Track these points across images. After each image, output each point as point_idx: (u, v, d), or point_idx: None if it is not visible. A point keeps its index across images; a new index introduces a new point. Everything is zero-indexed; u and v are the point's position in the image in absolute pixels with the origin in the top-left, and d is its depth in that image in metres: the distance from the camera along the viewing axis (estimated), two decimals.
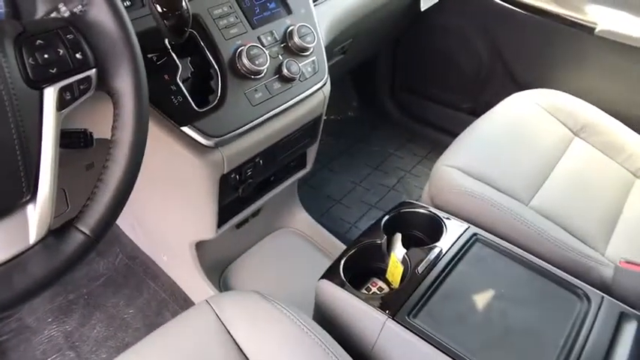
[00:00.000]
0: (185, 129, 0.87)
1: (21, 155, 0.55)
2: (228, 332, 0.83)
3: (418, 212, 1.08)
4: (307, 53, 1.02)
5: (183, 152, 0.90)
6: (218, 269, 1.41)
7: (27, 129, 0.55)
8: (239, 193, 1.06)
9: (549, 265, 0.95)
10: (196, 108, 0.88)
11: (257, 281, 1.40)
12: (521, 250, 0.97)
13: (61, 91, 0.58)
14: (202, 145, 0.89)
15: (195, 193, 1.03)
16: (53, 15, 0.67)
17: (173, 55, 0.87)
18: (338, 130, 2.04)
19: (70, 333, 1.36)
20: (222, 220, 1.12)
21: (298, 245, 1.52)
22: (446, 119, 1.94)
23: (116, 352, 1.30)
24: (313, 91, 1.04)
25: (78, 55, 0.58)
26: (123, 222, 1.58)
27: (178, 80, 0.87)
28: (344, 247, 1.45)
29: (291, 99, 1.00)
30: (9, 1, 0.82)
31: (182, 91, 0.87)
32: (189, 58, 0.92)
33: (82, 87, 0.59)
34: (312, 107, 1.07)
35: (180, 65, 0.88)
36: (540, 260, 0.96)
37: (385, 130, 2.08)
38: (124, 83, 0.61)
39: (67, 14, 0.67)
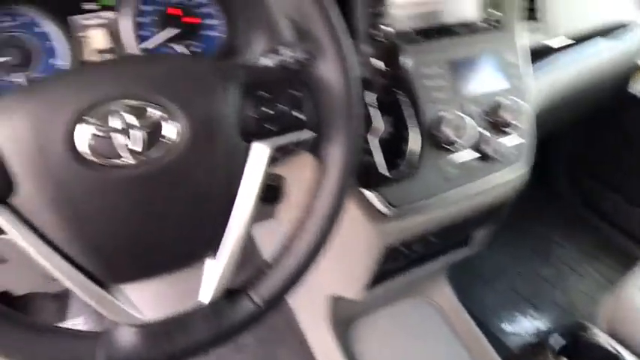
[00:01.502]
0: (365, 191, 0.80)
1: (216, 207, 0.50)
2: None
3: (597, 346, 0.90)
4: (514, 132, 0.90)
5: (357, 214, 0.83)
6: (345, 322, 1.33)
7: (229, 181, 0.51)
8: (398, 264, 0.97)
9: None
10: (384, 172, 0.80)
11: (383, 346, 1.31)
12: None
13: (273, 150, 0.52)
14: (379, 212, 0.80)
15: (354, 255, 0.95)
16: (273, 57, 0.63)
17: (370, 109, 0.80)
18: None
19: None
20: (370, 283, 1.03)
21: (433, 320, 1.40)
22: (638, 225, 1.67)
23: None
24: (511, 176, 0.91)
25: (298, 114, 0.53)
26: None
27: (371, 137, 0.80)
28: (481, 336, 1.31)
29: (487, 180, 0.88)
30: (227, 29, 0.82)
31: (373, 150, 0.79)
32: (385, 115, 0.84)
33: (293, 147, 0.54)
34: (504, 192, 0.95)
35: (375, 121, 0.81)
36: None
37: (554, 215, 1.85)
38: (337, 153, 0.54)
39: (290, 59, 0.62)
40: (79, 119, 0.45)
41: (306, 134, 0.54)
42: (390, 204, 0.80)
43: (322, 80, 0.54)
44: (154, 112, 0.46)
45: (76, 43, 0.75)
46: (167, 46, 0.79)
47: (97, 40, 0.75)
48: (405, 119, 0.83)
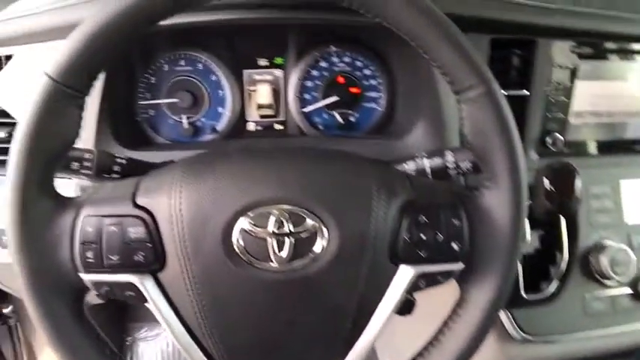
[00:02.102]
0: None
1: (349, 321, 0.48)
2: None
3: None
4: None
5: None
6: None
7: (367, 299, 0.48)
8: None
9: None
10: (522, 292, 0.72)
11: None
12: None
13: (419, 277, 0.49)
14: (507, 334, 0.73)
15: None
16: (435, 160, 0.59)
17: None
18: None
19: None
20: None
21: None
22: None
23: None
24: None
25: (454, 245, 0.48)
26: None
27: None
28: None
29: (637, 324, 0.77)
30: (387, 104, 0.79)
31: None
32: (535, 229, 0.76)
33: (440, 278, 0.50)
34: None
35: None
36: None
37: None
38: (485, 293, 0.49)
39: (452, 165, 0.58)
40: (242, 214, 0.45)
41: (457, 266, 0.49)
42: (520, 328, 0.72)
43: (489, 212, 0.48)
44: (311, 224, 0.45)
45: (244, 95, 0.77)
46: (325, 112, 0.79)
47: (261, 95, 0.76)
48: (559, 238, 0.75)
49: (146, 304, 0.47)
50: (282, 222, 0.45)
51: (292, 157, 0.49)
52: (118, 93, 0.70)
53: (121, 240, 0.45)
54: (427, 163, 0.59)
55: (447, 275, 0.49)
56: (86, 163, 0.55)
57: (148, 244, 0.45)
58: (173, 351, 1.27)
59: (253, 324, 0.47)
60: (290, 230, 0.45)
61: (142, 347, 1.24)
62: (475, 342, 0.50)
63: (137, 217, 0.45)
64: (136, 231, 0.45)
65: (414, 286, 0.49)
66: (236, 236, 0.44)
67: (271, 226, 0.45)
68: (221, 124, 0.77)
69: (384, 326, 0.49)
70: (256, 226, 0.44)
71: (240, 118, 0.77)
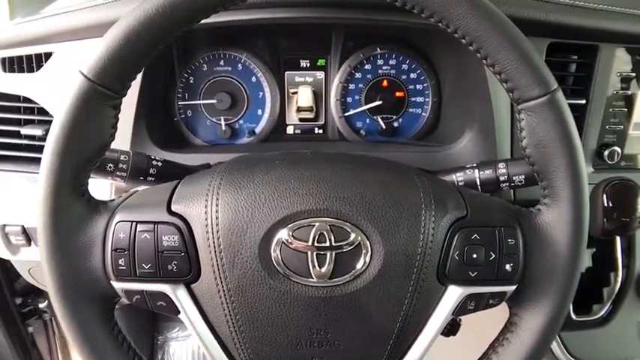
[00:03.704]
0: None
1: (392, 343, 0.45)
2: None
3: None
4: None
5: None
6: None
7: (413, 320, 0.45)
8: None
9: None
10: (572, 314, 0.68)
11: None
12: None
13: (468, 298, 0.45)
14: (555, 358, 0.69)
15: None
16: (486, 172, 0.56)
17: None
18: None
19: None
20: None
21: None
22: None
23: None
24: None
25: (507, 267, 0.45)
26: None
27: None
28: None
29: None
30: (432, 109, 0.76)
31: None
32: (589, 248, 0.72)
33: (491, 301, 0.46)
34: None
35: None
36: None
37: None
38: (537, 316, 0.45)
39: (503, 178, 0.55)
40: (282, 225, 0.42)
41: (509, 288, 0.46)
42: (568, 352, 0.68)
43: (547, 230, 0.45)
44: (354, 238, 0.42)
45: (285, 97, 0.75)
46: (368, 116, 0.76)
47: (302, 97, 0.74)
48: (614, 258, 0.70)
49: (178, 316, 0.46)
50: (323, 235, 0.42)
51: (335, 166, 0.46)
52: (155, 92, 0.69)
53: (154, 248, 0.43)
54: (477, 175, 0.56)
55: (497, 297, 0.46)
56: (121, 165, 0.54)
57: (182, 253, 0.43)
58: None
59: (288, 340, 0.45)
60: (332, 244, 0.42)
61: (174, 347, 1.24)
62: None
63: (171, 224, 0.43)
64: (170, 239, 0.43)
65: (463, 308, 0.46)
66: (274, 248, 0.42)
67: (312, 240, 0.42)
68: (260, 127, 0.75)
69: (428, 349, 0.47)
70: (296, 238, 0.42)
71: (280, 121, 0.75)
